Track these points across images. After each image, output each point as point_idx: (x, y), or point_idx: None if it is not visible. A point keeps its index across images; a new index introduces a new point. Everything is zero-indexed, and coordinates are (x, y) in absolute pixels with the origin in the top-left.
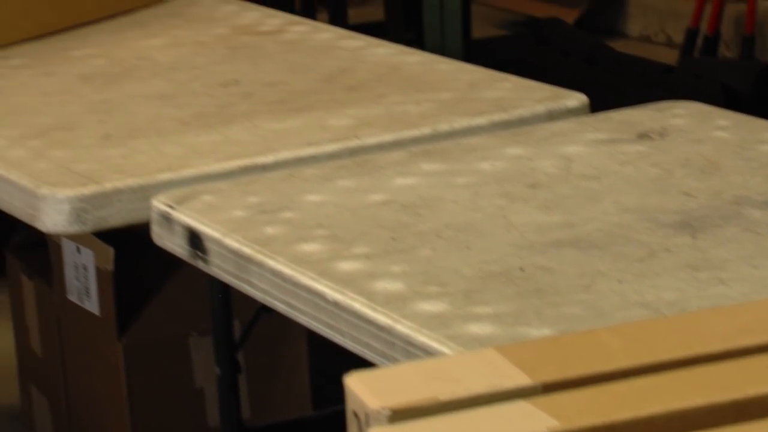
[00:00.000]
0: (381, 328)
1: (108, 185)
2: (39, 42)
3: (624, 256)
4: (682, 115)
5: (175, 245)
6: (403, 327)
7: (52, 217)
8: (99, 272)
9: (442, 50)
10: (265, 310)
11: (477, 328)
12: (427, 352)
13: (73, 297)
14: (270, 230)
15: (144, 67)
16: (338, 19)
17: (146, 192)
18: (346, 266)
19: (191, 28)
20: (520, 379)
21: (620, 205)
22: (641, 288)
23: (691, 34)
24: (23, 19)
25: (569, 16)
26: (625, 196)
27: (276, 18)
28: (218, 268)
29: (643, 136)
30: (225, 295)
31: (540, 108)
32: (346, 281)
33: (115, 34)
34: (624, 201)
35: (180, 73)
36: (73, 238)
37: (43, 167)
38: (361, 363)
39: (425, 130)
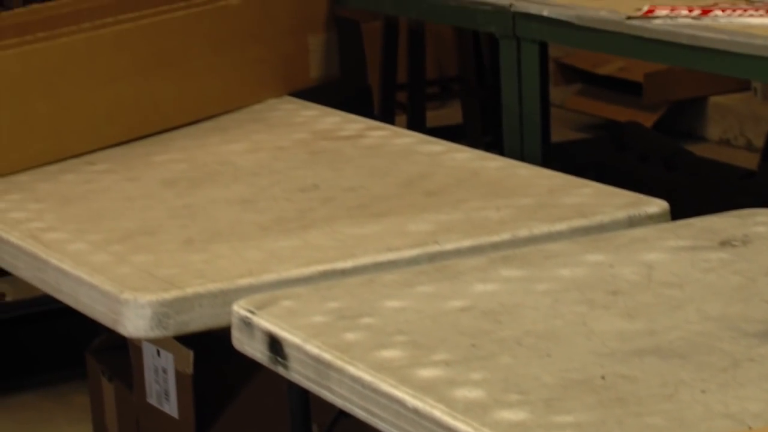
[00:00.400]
0: None
1: (189, 290)
2: (123, 147)
3: (707, 366)
4: (764, 223)
5: (256, 350)
6: None
7: (134, 322)
8: (178, 375)
9: (521, 154)
10: (343, 415)
11: None
12: None
13: (152, 400)
14: (350, 336)
15: (225, 172)
16: (417, 122)
17: (227, 297)
18: (426, 373)
19: (272, 133)
20: None
21: (703, 313)
22: (725, 398)
23: None
24: (108, 125)
25: (648, 119)
26: (708, 304)
27: (356, 123)
28: (298, 374)
29: (725, 244)
30: (304, 399)
31: (620, 214)
32: (426, 388)
33: (197, 140)
34: (707, 309)
35: (261, 178)
36: (153, 341)
37: (126, 272)
38: None
39: (505, 236)
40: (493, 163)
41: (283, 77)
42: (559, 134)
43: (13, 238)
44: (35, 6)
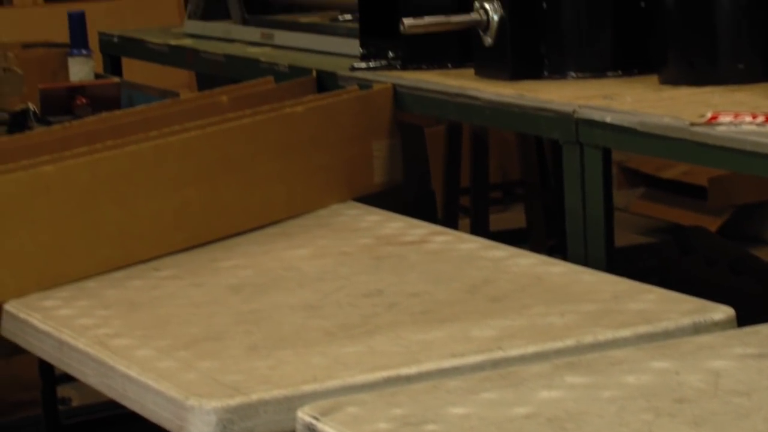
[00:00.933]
0: None
1: (254, 396)
2: (189, 253)
3: None
4: None
5: None
6: None
7: (199, 428)
8: None
9: (584, 259)
10: None
11: None
12: None
13: None
14: None
15: (290, 277)
16: (480, 226)
17: (291, 403)
18: None
19: (336, 239)
20: None
21: None
22: None
23: None
24: (175, 231)
25: (713, 224)
26: None
27: (419, 228)
28: None
29: None
30: None
31: (686, 321)
32: None
33: (262, 245)
34: None
35: (325, 284)
36: None
37: (192, 378)
38: None
39: (569, 342)
40: (556, 269)
41: (347, 182)
42: (623, 238)
43: (81, 344)
44: (104, 115)
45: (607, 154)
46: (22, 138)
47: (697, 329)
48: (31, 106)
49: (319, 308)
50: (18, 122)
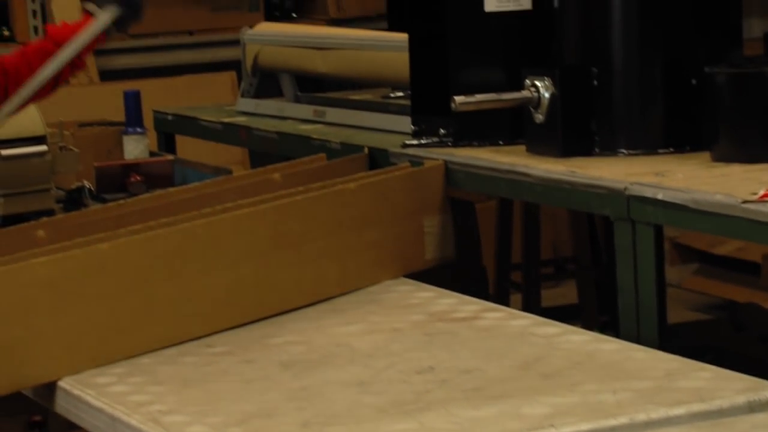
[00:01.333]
0: None
1: None
2: (241, 329)
3: None
4: None
5: None
6: None
7: None
8: None
9: (637, 336)
10: None
11: None
12: None
13: None
14: None
15: (342, 353)
16: (532, 302)
17: None
18: None
19: (388, 315)
20: None
21: None
22: None
23: None
24: (227, 308)
25: (767, 300)
26: None
27: (471, 304)
28: None
29: None
30: None
31: (740, 399)
32: None
33: (313, 321)
34: None
35: (377, 360)
36: None
37: None
38: None
39: (623, 420)
40: (609, 346)
41: (398, 259)
42: (676, 315)
43: (135, 421)
44: (158, 192)
45: (659, 230)
46: (77, 215)
47: (752, 407)
48: (87, 184)
49: (371, 384)
50: (74, 199)
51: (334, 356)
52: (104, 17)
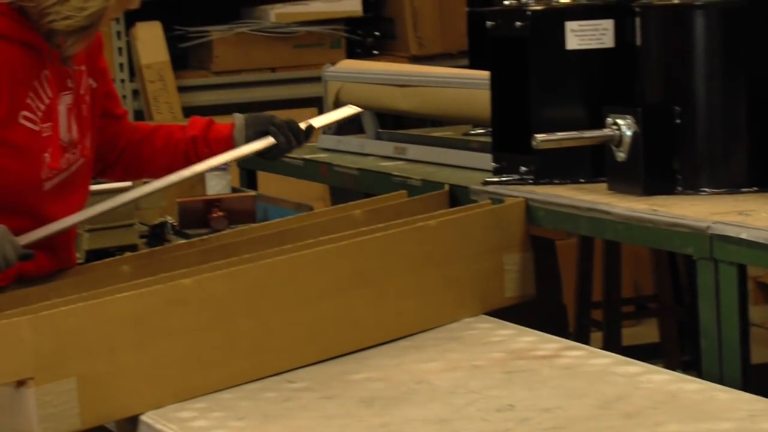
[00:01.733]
0: None
1: None
2: (321, 365)
3: None
4: None
5: None
6: None
7: None
8: None
9: (720, 377)
10: None
11: None
12: None
13: None
14: None
15: (422, 390)
16: (613, 341)
17: None
18: None
19: (468, 352)
20: None
21: None
22: None
23: None
24: (308, 344)
25: None
26: None
27: (551, 342)
28: None
29: None
30: None
31: None
32: None
33: (393, 358)
34: None
35: (457, 398)
36: None
37: None
38: None
39: None
40: (691, 386)
41: (478, 296)
42: (759, 355)
43: None
44: (240, 228)
45: (742, 270)
46: (161, 251)
47: None
48: (170, 219)
49: (451, 422)
50: (157, 235)
51: (414, 393)
52: (264, 143)
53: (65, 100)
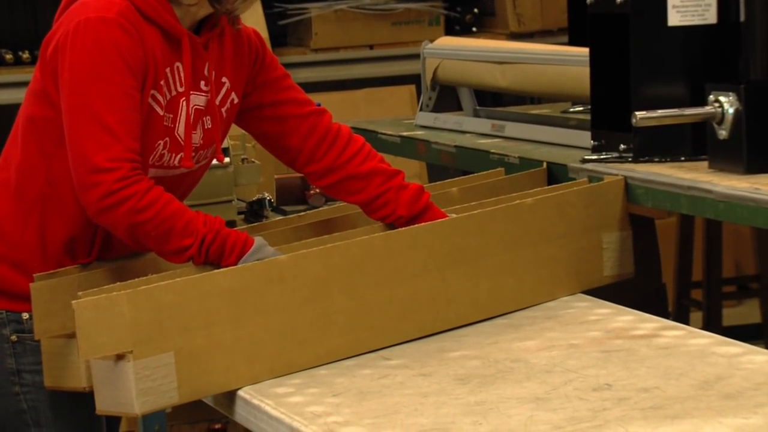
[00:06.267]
0: None
1: None
2: (417, 343)
3: None
4: None
5: None
6: None
7: None
8: None
9: None
10: None
11: None
12: None
13: None
14: None
15: (518, 369)
16: (713, 321)
17: None
18: None
19: (565, 331)
20: None
21: None
22: None
23: None
24: (404, 321)
25: None
26: None
27: (650, 322)
28: None
29: None
30: None
31: None
32: None
33: (490, 336)
34: None
35: (553, 376)
36: None
37: None
38: None
39: None
40: None
41: (576, 275)
42: None
43: (312, 431)
44: (337, 205)
45: None
46: (258, 227)
47: None
48: (267, 196)
49: (547, 401)
50: (254, 211)
51: (511, 371)
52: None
53: (195, 101)
